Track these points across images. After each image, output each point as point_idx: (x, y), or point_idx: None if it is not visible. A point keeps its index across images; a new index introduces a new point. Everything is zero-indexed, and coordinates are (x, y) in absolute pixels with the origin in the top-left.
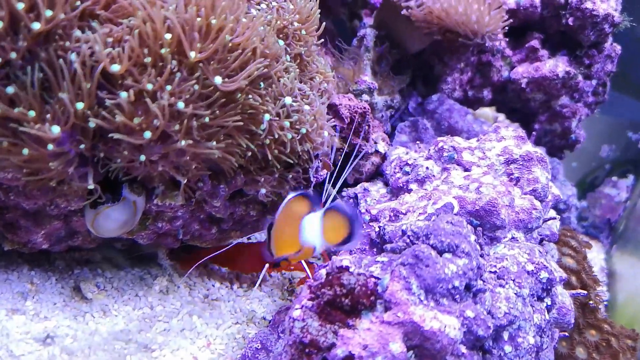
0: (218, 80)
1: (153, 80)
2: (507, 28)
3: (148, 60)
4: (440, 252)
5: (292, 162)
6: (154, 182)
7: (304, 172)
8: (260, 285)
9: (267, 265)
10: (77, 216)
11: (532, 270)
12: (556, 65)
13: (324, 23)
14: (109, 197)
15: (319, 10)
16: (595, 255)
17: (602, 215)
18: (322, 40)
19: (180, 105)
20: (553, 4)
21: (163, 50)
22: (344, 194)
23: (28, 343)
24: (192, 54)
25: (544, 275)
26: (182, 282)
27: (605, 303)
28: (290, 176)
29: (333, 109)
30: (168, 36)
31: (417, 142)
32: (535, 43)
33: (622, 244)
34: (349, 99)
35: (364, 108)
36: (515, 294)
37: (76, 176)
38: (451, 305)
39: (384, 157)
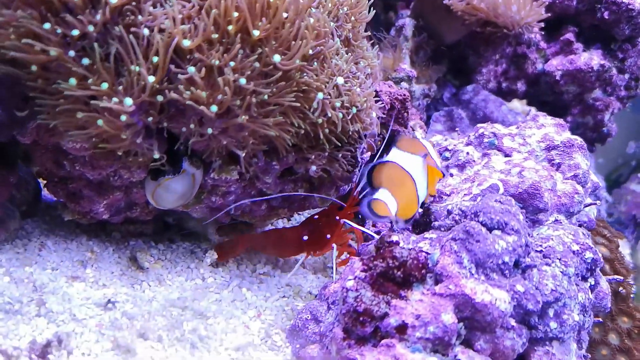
0: (277, 58)
1: (219, 57)
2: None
3: (215, 36)
4: (490, 229)
5: (342, 141)
6: (212, 156)
7: (353, 152)
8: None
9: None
10: (137, 188)
11: (578, 250)
12: (591, 59)
13: (373, 10)
14: (169, 170)
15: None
16: (621, 250)
17: (627, 212)
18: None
19: (243, 81)
20: None
21: (230, 27)
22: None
23: (89, 308)
24: (256, 32)
25: (589, 255)
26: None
27: (632, 295)
28: (340, 155)
29: (374, 95)
30: (235, 14)
31: (456, 130)
32: (570, 36)
33: None
34: (389, 86)
35: (404, 95)
36: (561, 272)
37: (144, 147)
38: (501, 279)
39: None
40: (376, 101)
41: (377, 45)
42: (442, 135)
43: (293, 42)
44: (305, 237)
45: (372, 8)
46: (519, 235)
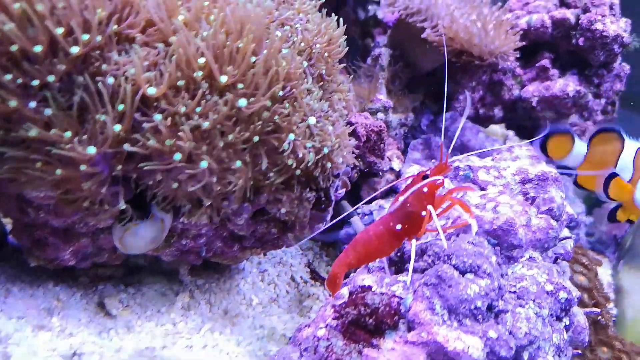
0: (242, 102)
1: (186, 103)
2: (517, 49)
3: (181, 83)
4: (462, 273)
5: (314, 181)
6: (181, 200)
7: (325, 191)
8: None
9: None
10: (104, 233)
11: (552, 290)
12: (567, 84)
13: (347, 47)
14: (137, 215)
15: (343, 30)
16: (602, 271)
17: (608, 231)
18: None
19: (205, 124)
20: (564, 25)
21: (196, 74)
22: (359, 211)
23: None
24: (223, 78)
25: (562, 295)
26: (203, 299)
27: (613, 319)
28: (311, 195)
29: (350, 128)
30: (201, 60)
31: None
32: (545, 62)
33: (629, 260)
34: (365, 117)
35: (380, 127)
36: (535, 314)
37: (108, 195)
38: (474, 325)
39: (398, 174)
40: (352, 133)
41: (353, 75)
42: (418, 166)
43: (259, 86)
44: (399, 227)
45: (347, 38)
46: (492, 279)
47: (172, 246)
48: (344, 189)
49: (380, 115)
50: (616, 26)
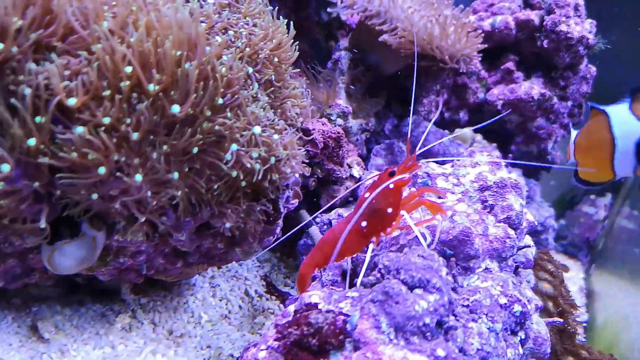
0: (176, 109)
1: (110, 114)
2: (479, 51)
3: (107, 93)
4: (411, 288)
5: (261, 193)
6: (114, 217)
7: (273, 203)
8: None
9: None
10: (33, 253)
11: (505, 303)
12: (531, 87)
13: (297, 50)
14: (67, 233)
15: (293, 34)
16: (575, 275)
17: (581, 234)
18: (296, 62)
19: (135, 136)
20: (528, 27)
21: (122, 84)
22: (317, 220)
23: None
24: (151, 87)
25: (517, 308)
26: (147, 319)
27: (584, 325)
28: (259, 208)
29: (306, 134)
30: (128, 69)
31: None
32: (510, 65)
33: (601, 263)
34: (323, 124)
35: (338, 133)
36: (488, 329)
37: (29, 214)
38: (422, 343)
39: (359, 181)
40: (308, 140)
41: (314, 79)
42: (378, 172)
43: (195, 93)
44: (364, 224)
45: (311, 41)
46: (441, 294)
47: (109, 265)
48: (297, 200)
49: (339, 121)
50: (581, 27)
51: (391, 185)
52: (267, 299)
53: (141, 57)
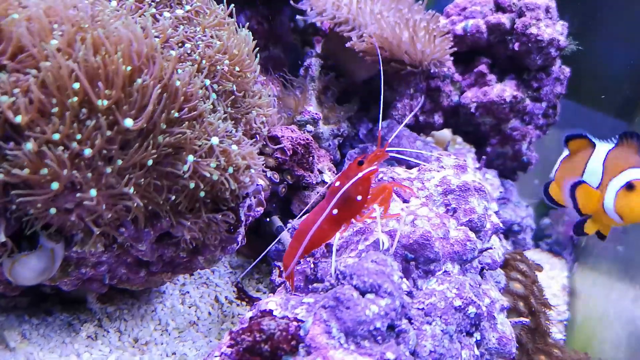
0: (128, 122)
1: (60, 130)
2: (453, 55)
3: (55, 110)
4: (363, 293)
5: (221, 202)
6: (72, 229)
7: (234, 212)
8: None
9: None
10: None
11: (460, 305)
12: (503, 90)
13: (257, 59)
14: (26, 246)
15: (253, 44)
16: (558, 273)
17: (565, 232)
18: (267, 69)
19: (87, 152)
20: (499, 30)
21: (70, 100)
22: (289, 225)
23: None
24: (100, 102)
25: (472, 310)
26: (113, 327)
27: (565, 323)
28: (219, 217)
29: (275, 141)
30: (76, 85)
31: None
32: (483, 68)
33: (583, 261)
34: (292, 131)
35: (307, 140)
36: (441, 331)
37: None
38: (372, 347)
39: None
40: (277, 148)
41: (287, 86)
42: None
43: (147, 107)
44: (335, 211)
45: (287, 47)
46: (393, 298)
47: (70, 275)
48: (261, 208)
49: (309, 127)
50: (552, 30)
51: (360, 173)
52: (238, 305)
53: (89, 73)
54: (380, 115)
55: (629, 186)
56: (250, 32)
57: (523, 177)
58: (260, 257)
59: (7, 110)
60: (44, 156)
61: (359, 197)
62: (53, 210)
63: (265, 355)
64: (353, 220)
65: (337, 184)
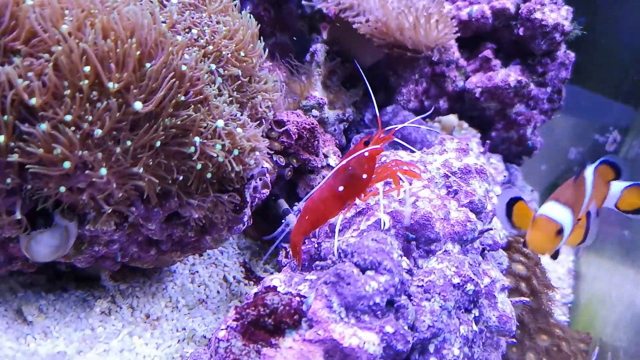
0: (138, 105)
1: (71, 111)
2: (458, 40)
3: (67, 92)
4: (364, 270)
5: (227, 183)
6: (84, 208)
7: (239, 193)
8: None
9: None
10: (13, 242)
11: (459, 282)
12: (508, 75)
13: (262, 43)
14: (41, 223)
15: (257, 28)
16: (565, 257)
17: None
18: (274, 55)
19: (98, 132)
20: (504, 15)
21: (82, 83)
22: (295, 207)
23: None
24: (111, 85)
25: (470, 287)
26: (125, 304)
27: (569, 305)
28: (226, 197)
29: (281, 126)
30: (87, 68)
31: None
32: (487, 53)
33: (590, 246)
34: (297, 115)
35: (312, 124)
36: (440, 307)
37: (4, 207)
38: (372, 321)
39: None
40: (283, 132)
41: (294, 72)
42: None
43: (156, 90)
44: (341, 188)
45: (295, 34)
46: (392, 275)
47: (84, 253)
48: (266, 189)
49: (315, 112)
50: (556, 14)
51: (366, 154)
52: (245, 284)
53: (100, 56)
54: (374, 101)
55: (533, 219)
56: (252, 17)
57: (528, 161)
58: (273, 247)
59: (22, 93)
60: (57, 136)
61: (364, 176)
62: (63, 189)
63: (269, 328)
64: (357, 199)
65: (344, 162)
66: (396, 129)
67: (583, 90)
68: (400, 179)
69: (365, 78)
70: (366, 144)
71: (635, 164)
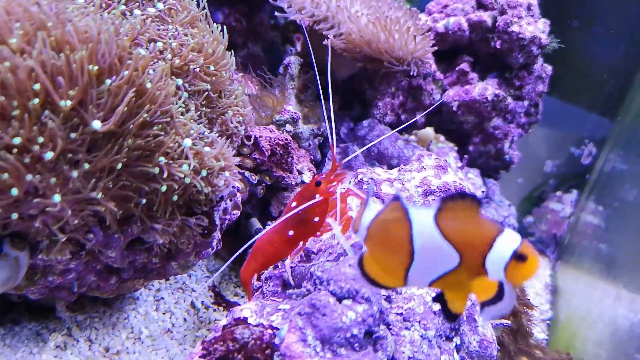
0: (97, 124)
1: (20, 133)
2: (435, 53)
3: (16, 113)
4: (340, 299)
5: (194, 206)
6: (37, 236)
7: (208, 216)
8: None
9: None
10: None
11: (439, 310)
12: (485, 89)
13: (233, 58)
14: None
15: (226, 41)
16: (541, 272)
17: (548, 230)
18: (247, 67)
19: (49, 155)
20: (481, 28)
21: (31, 102)
22: (267, 227)
23: None
24: (63, 103)
25: None
26: (83, 337)
27: (548, 322)
28: (193, 221)
29: (253, 142)
30: (37, 86)
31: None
32: (465, 66)
33: (566, 259)
34: (270, 131)
35: (286, 140)
36: (420, 336)
37: None
38: (349, 354)
39: None
40: (255, 148)
41: (267, 85)
42: None
43: (116, 108)
44: (291, 233)
45: (267, 45)
46: (370, 304)
47: (37, 284)
48: (237, 211)
49: (289, 127)
50: (533, 27)
51: (318, 196)
52: (215, 310)
53: (51, 73)
54: (334, 129)
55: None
56: (225, 29)
57: (505, 175)
58: (232, 257)
59: None
60: (1, 163)
61: (316, 219)
62: (15, 216)
63: None
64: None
65: (294, 204)
66: (346, 167)
67: (559, 102)
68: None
69: (330, 95)
70: (318, 184)
71: (611, 177)
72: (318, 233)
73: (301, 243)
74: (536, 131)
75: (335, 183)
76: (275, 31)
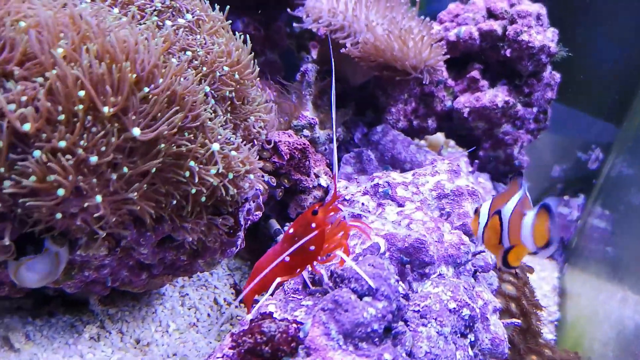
0: (136, 132)
1: (66, 137)
2: (446, 61)
3: (62, 117)
4: (361, 296)
5: (221, 207)
6: (77, 233)
7: (233, 216)
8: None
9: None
10: (1, 268)
11: (455, 307)
12: (495, 95)
13: (256, 65)
14: (31, 249)
15: (250, 50)
16: (549, 274)
17: None
18: (265, 74)
19: (93, 159)
20: (491, 36)
21: (76, 108)
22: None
23: None
24: (105, 109)
25: (466, 312)
26: (115, 329)
27: (555, 323)
28: (220, 221)
29: (273, 146)
30: (82, 93)
31: (357, 175)
32: (475, 74)
33: (574, 262)
34: (289, 136)
35: (304, 144)
36: (436, 332)
37: None
38: (370, 348)
39: (326, 190)
40: (275, 152)
41: (284, 91)
42: (345, 182)
43: (153, 115)
44: (288, 259)
45: (283, 52)
46: (389, 301)
47: (74, 278)
48: (260, 212)
49: (306, 132)
50: (542, 36)
51: (313, 224)
52: (236, 307)
53: (94, 81)
54: (335, 158)
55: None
56: (248, 38)
57: None
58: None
59: (14, 120)
60: (53, 164)
61: (312, 247)
62: (59, 215)
63: (266, 356)
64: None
65: (291, 231)
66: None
67: (566, 108)
68: (343, 253)
69: (334, 123)
70: (314, 213)
71: (617, 181)
72: (316, 262)
73: (298, 270)
74: (544, 136)
75: (332, 214)
76: (290, 39)
